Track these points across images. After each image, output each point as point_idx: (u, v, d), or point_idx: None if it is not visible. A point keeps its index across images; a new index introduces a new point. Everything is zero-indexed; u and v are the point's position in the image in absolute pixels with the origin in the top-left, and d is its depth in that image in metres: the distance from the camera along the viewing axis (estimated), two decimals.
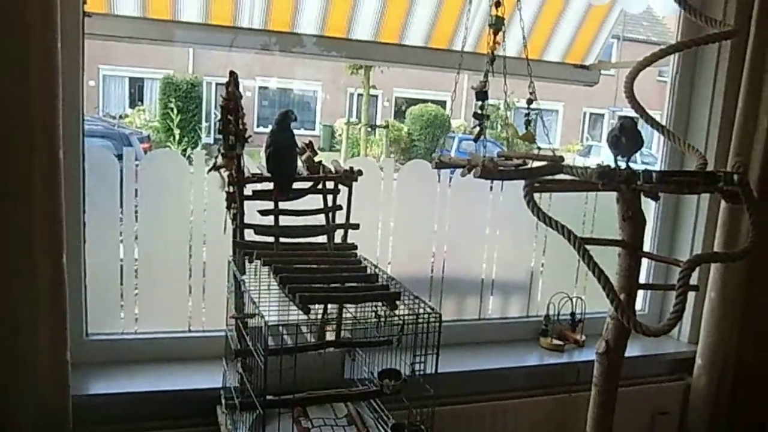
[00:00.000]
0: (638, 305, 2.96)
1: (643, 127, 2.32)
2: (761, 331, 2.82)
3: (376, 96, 17.11)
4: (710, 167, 2.51)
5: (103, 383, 2.14)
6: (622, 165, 1.96)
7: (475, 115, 1.86)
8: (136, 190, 2.29)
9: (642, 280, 2.36)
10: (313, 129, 16.38)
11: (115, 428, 2.08)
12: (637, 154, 2.11)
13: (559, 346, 2.73)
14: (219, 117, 1.93)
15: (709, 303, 2.77)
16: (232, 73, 1.91)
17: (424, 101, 16.69)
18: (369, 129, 15.25)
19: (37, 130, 1.81)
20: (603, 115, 19.01)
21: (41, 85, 1.80)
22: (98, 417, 2.07)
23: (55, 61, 1.81)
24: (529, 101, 1.94)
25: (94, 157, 2.19)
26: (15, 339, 1.88)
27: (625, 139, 1.93)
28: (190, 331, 2.39)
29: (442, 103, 16.49)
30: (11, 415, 1.90)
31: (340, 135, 15.68)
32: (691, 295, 2.80)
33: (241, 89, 1.93)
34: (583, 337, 2.78)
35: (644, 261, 2.42)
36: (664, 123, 2.83)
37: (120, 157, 2.28)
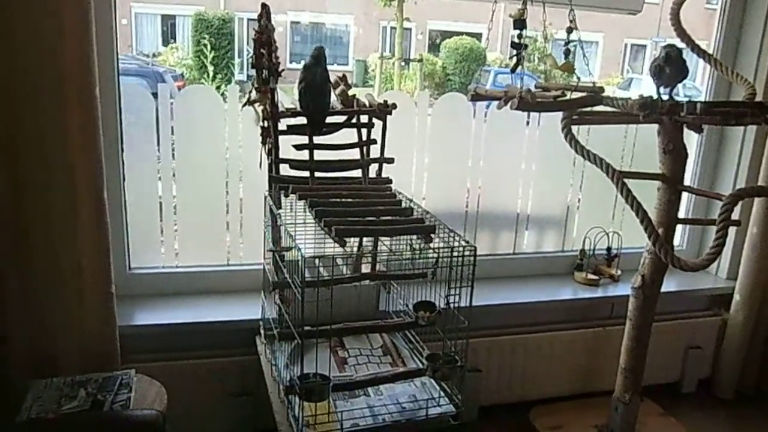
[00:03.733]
0: (676, 241, 2.93)
1: (687, 57, 2.23)
2: None
3: (410, 29, 16.74)
4: (759, 98, 2.41)
5: (147, 314, 2.22)
6: (665, 96, 1.90)
7: (513, 45, 1.81)
8: (172, 128, 2.30)
9: (681, 215, 2.32)
10: (346, 64, 16.17)
11: (159, 357, 2.17)
12: (680, 86, 2.03)
13: (594, 280, 2.72)
14: (252, 52, 1.91)
15: (751, 239, 2.72)
16: (264, 6, 1.88)
17: (459, 34, 16.26)
18: (402, 63, 14.98)
19: (71, 68, 1.82)
20: (645, 46, 18.29)
21: (74, 23, 1.79)
22: (143, 347, 2.16)
23: None
24: (569, 30, 1.86)
25: (129, 95, 2.20)
26: (61, 274, 1.95)
27: (669, 68, 1.86)
28: (228, 264, 2.45)
29: (478, 36, 16.05)
30: (62, 346, 1.99)
31: (373, 70, 15.46)
32: (732, 231, 2.75)
33: (273, 23, 1.90)
34: (619, 272, 2.77)
35: (684, 195, 2.37)
36: (711, 52, 2.72)
37: (155, 95, 2.29)
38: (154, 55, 14.38)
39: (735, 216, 1.88)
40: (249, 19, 14.32)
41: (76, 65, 1.82)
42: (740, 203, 2.43)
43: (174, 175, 2.36)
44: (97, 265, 1.99)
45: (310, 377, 1.65)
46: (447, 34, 16.73)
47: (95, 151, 1.91)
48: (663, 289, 2.23)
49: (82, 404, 1.73)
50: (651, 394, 2.65)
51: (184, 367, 2.18)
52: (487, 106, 2.60)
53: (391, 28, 15.81)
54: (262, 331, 2.09)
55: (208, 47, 13.16)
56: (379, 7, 15.04)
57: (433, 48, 16.97)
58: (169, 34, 15.89)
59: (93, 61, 1.85)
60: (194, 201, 2.38)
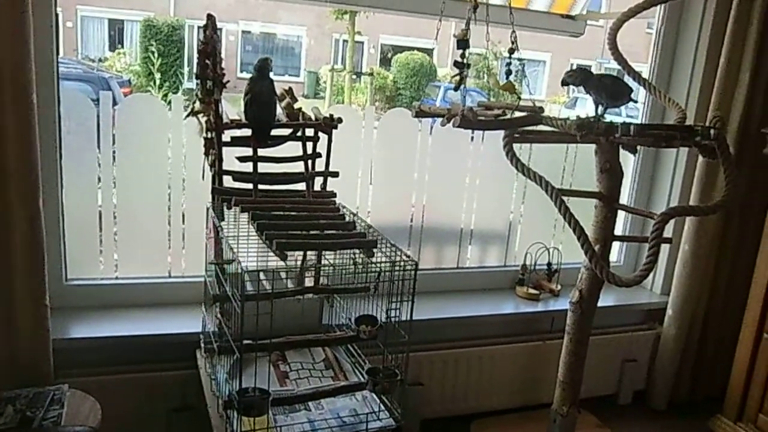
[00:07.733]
0: (614, 257, 3.03)
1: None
2: (731, 284, 2.89)
3: (362, 42, 16.83)
4: (690, 121, 2.52)
5: (84, 327, 2.15)
6: (606, 116, 1.97)
7: (456, 64, 1.85)
8: (114, 135, 2.26)
9: (619, 232, 2.40)
10: (298, 75, 16.14)
11: (95, 371, 2.10)
12: (623, 107, 2.13)
13: (534, 295, 2.78)
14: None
15: (683, 255, 2.83)
16: (210, 16, 1.88)
17: (411, 49, 16.45)
18: (354, 76, 15.04)
19: (6, 72, 1.76)
20: (590, 66, 18.88)
21: (8, 24, 1.74)
22: (80, 361, 2.10)
23: None
24: (511, 51, 1.92)
25: (69, 101, 2.14)
26: None
27: (593, 91, 1.95)
28: (170, 276, 2.40)
29: (429, 51, 16.29)
30: None
31: (324, 82, 15.47)
32: (665, 248, 2.86)
33: (224, 34, 1.90)
34: (559, 287, 2.83)
35: (621, 214, 2.45)
36: (648, 76, 2.83)
37: (97, 101, 2.24)
38: (100, 60, 14.03)
39: (668, 234, 1.96)
40: (199, 27, 14.15)
41: (11, 68, 1.77)
42: (673, 222, 2.54)
43: (115, 184, 2.30)
44: (32, 276, 1.92)
45: (250, 392, 1.63)
46: (398, 49, 16.89)
47: (31, 158, 1.85)
48: (600, 303, 2.29)
49: (9, 422, 1.67)
50: (589, 407, 2.71)
51: (121, 381, 2.12)
52: (434, 121, 2.64)
53: (344, 41, 15.87)
54: (202, 345, 2.06)
55: (156, 54, 12.93)
56: (332, 20, 15.07)
57: (385, 62, 17.11)
58: (116, 39, 15.54)
59: (30, 64, 1.80)
60: (135, 211, 2.33)
